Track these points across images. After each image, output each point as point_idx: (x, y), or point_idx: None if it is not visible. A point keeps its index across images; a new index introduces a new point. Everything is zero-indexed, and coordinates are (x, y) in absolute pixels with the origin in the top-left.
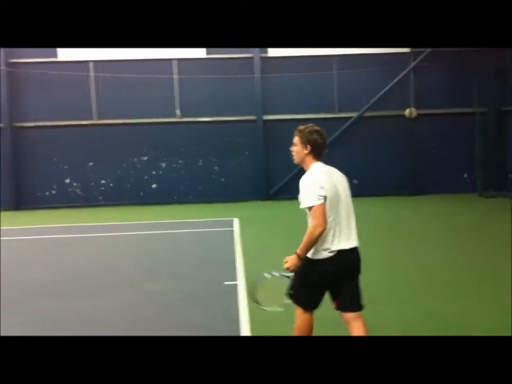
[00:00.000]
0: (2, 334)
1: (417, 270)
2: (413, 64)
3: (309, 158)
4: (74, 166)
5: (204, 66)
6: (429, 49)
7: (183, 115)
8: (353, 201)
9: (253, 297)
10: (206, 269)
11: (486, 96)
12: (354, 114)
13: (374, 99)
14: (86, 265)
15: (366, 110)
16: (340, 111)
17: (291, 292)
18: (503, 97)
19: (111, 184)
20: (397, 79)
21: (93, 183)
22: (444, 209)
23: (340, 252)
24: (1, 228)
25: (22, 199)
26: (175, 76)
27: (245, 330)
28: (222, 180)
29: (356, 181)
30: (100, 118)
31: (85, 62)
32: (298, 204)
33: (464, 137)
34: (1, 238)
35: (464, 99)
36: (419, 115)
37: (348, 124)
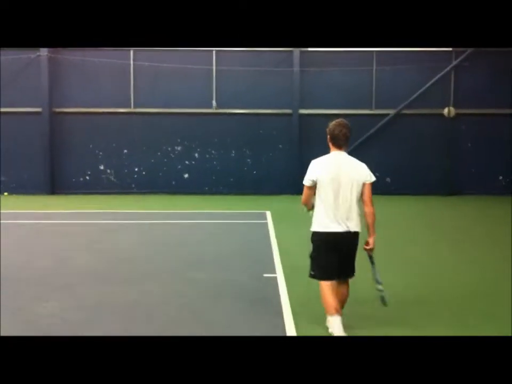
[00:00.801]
0: (60, 318)
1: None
2: (454, 63)
3: (330, 146)
4: (109, 153)
5: (242, 59)
6: (470, 49)
7: (219, 106)
8: (385, 199)
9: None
10: (244, 261)
11: None
12: (392, 112)
13: (413, 97)
14: (127, 252)
15: (404, 108)
16: (377, 107)
17: (312, 273)
18: None
19: (143, 172)
20: (437, 77)
21: (126, 171)
22: (485, 211)
23: (329, 233)
24: (40, 211)
25: (56, 184)
26: (213, 67)
27: (289, 324)
28: (254, 172)
29: (388, 179)
30: (136, 107)
31: (125, 50)
32: None
33: (501, 138)
34: (43, 222)
35: (504, 100)
36: (457, 115)
37: (384, 120)
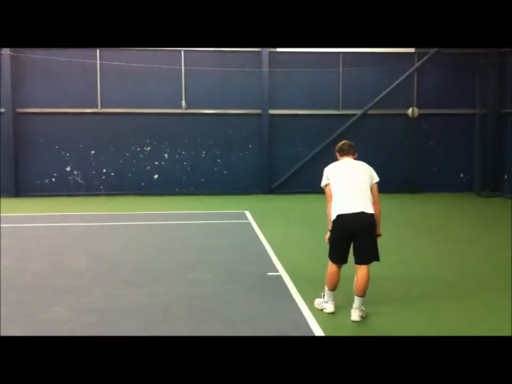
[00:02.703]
0: (72, 320)
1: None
2: (417, 64)
3: (338, 157)
4: (76, 154)
5: (211, 59)
6: (433, 50)
7: (188, 106)
8: None
9: None
10: (242, 260)
11: (486, 98)
12: (358, 112)
13: (378, 98)
14: (119, 254)
15: (370, 108)
16: (344, 108)
17: (329, 253)
18: (502, 99)
19: (112, 174)
20: (401, 79)
21: (93, 172)
22: (449, 207)
23: (342, 215)
24: (8, 214)
25: (20, 186)
26: (182, 67)
27: (311, 320)
28: (225, 172)
29: None
30: (104, 107)
31: (92, 50)
32: (301, 198)
33: (462, 137)
34: (16, 225)
35: (465, 100)
36: (421, 115)
37: (351, 121)
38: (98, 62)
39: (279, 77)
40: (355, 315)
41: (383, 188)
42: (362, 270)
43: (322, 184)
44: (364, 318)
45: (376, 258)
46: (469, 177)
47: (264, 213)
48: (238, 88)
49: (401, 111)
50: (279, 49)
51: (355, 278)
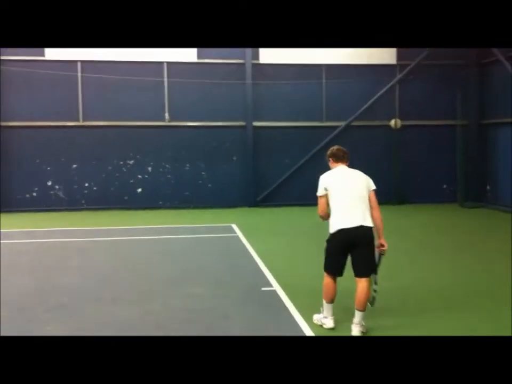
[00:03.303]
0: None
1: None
2: (399, 76)
3: (332, 163)
4: (57, 168)
5: (194, 71)
6: (414, 62)
7: (171, 119)
8: None
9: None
10: (234, 275)
11: (468, 109)
12: (342, 124)
13: (361, 109)
14: (108, 270)
15: (353, 120)
16: (328, 119)
17: (324, 265)
18: (483, 110)
19: (94, 188)
20: (383, 90)
21: (76, 186)
22: (438, 218)
23: (343, 230)
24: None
25: (1, 202)
26: (165, 79)
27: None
28: (209, 185)
29: None
30: (86, 120)
31: (73, 62)
32: (287, 211)
33: (444, 148)
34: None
35: (447, 112)
36: (403, 126)
37: (334, 132)
38: (79, 74)
39: (262, 89)
40: (356, 330)
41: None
42: (362, 283)
43: (319, 193)
44: (364, 333)
45: (374, 270)
46: (452, 188)
47: (252, 226)
48: (222, 100)
49: (384, 123)
50: (262, 61)
51: (356, 292)
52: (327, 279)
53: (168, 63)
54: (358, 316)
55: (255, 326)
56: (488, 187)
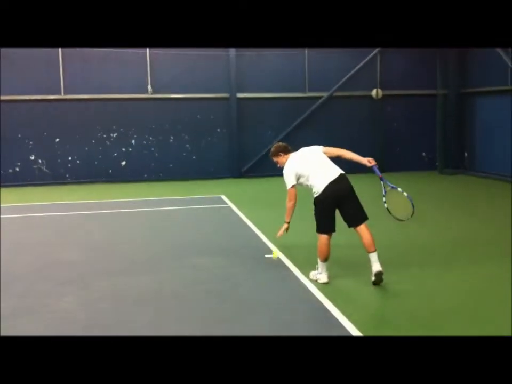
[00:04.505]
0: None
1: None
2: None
3: (283, 156)
4: (40, 142)
5: None
6: None
7: (154, 91)
8: None
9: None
10: (235, 244)
11: (447, 79)
12: (324, 94)
13: (343, 80)
14: (108, 244)
15: (335, 91)
16: (310, 91)
17: (316, 227)
18: (462, 80)
19: (78, 161)
20: (364, 61)
21: (59, 160)
22: (417, 185)
23: (327, 185)
24: None
25: None
26: (148, 51)
27: (320, 296)
28: (194, 157)
29: None
30: (67, 93)
31: None
32: (271, 181)
33: (425, 118)
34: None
35: (426, 81)
36: (384, 96)
37: (317, 103)
38: (60, 48)
39: (246, 61)
40: (377, 266)
41: (352, 169)
42: (362, 229)
43: (292, 182)
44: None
45: (366, 216)
46: (430, 156)
47: (240, 196)
48: (205, 72)
49: (366, 93)
50: None
51: (362, 238)
52: (322, 239)
53: None
54: (373, 256)
55: (265, 293)
56: (465, 154)
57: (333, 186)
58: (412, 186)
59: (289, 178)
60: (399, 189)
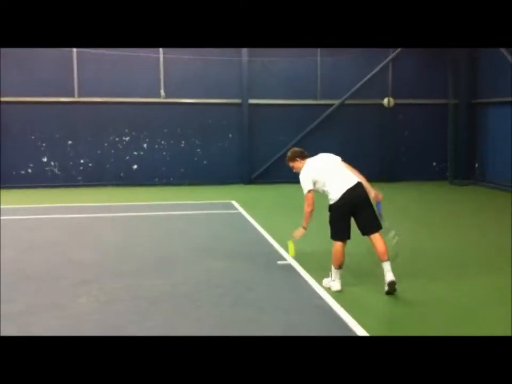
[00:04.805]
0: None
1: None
2: (392, 55)
3: (299, 161)
4: (52, 145)
5: (190, 48)
6: None
7: (167, 96)
8: None
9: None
10: (247, 250)
11: (458, 88)
12: (336, 102)
13: (354, 88)
14: (121, 246)
15: (346, 98)
16: (322, 97)
17: (331, 234)
18: (473, 90)
19: (90, 164)
20: (376, 70)
21: (71, 163)
22: (429, 195)
23: (345, 193)
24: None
25: None
26: (161, 56)
27: (334, 304)
28: (205, 162)
29: None
30: (81, 96)
31: None
32: (281, 188)
33: (436, 127)
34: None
35: (437, 91)
36: (396, 105)
37: (329, 111)
38: (75, 49)
39: (258, 67)
40: (391, 275)
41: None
42: (377, 238)
43: (309, 187)
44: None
45: (380, 225)
46: (441, 166)
47: (251, 202)
48: (217, 77)
49: (377, 101)
50: None
51: (375, 247)
52: (337, 246)
53: None
54: (386, 265)
55: (279, 298)
56: (476, 165)
57: (350, 193)
58: (423, 196)
59: (305, 183)
60: (392, 234)
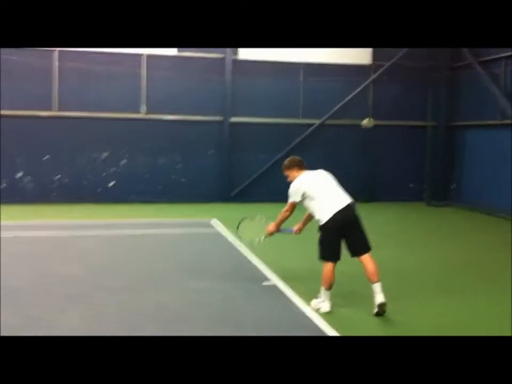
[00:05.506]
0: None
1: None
2: (373, 76)
3: (296, 171)
4: (28, 159)
5: (173, 64)
6: (388, 63)
7: (148, 112)
8: None
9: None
10: (230, 270)
11: (437, 111)
12: (317, 121)
13: (335, 108)
14: (104, 263)
15: (327, 119)
16: (304, 117)
17: (321, 255)
18: (452, 113)
19: (66, 180)
20: (357, 91)
21: (47, 178)
22: (406, 215)
23: (336, 213)
24: None
25: None
26: (143, 71)
27: (321, 323)
28: (183, 180)
29: None
30: (60, 110)
31: (50, 51)
32: (262, 207)
33: (414, 148)
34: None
35: (417, 113)
36: (376, 125)
37: (309, 130)
38: (56, 63)
39: (241, 85)
40: (381, 297)
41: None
42: (367, 259)
43: (296, 199)
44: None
45: (370, 246)
46: (418, 187)
47: (231, 221)
48: (199, 94)
49: (358, 121)
50: (242, 57)
51: (365, 268)
52: (328, 267)
53: (148, 55)
54: (377, 287)
55: (266, 322)
56: (453, 186)
57: (342, 214)
58: (401, 217)
59: (294, 193)
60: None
